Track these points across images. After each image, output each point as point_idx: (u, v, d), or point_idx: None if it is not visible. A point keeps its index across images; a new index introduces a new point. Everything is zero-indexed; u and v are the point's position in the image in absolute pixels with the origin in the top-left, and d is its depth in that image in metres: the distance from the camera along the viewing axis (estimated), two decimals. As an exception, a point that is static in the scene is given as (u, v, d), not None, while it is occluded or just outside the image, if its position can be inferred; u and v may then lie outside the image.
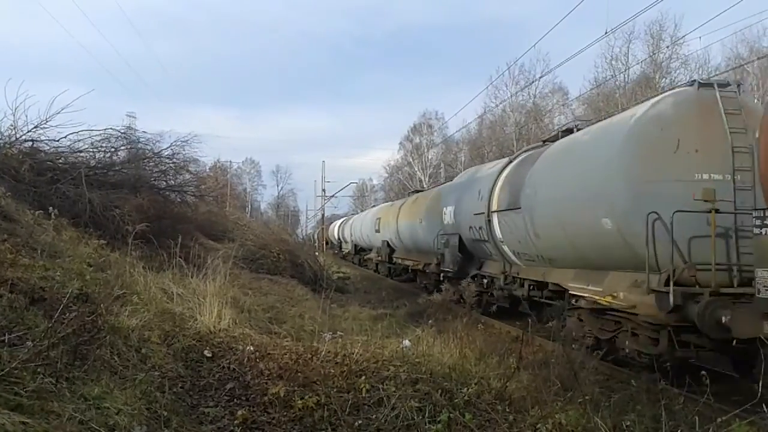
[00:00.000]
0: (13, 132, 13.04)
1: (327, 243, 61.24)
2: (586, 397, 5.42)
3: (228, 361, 6.78)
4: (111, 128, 15.13)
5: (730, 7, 17.92)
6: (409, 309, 16.90)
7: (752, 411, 4.90)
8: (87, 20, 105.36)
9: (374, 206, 45.02)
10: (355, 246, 43.33)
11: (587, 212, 9.26)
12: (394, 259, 28.01)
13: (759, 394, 4.61)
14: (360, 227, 39.65)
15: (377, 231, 31.14)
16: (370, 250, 35.71)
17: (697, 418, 4.46)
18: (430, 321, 10.64)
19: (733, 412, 5.07)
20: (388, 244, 28.23)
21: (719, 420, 4.98)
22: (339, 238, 55.20)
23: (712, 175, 8.05)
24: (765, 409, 4.67)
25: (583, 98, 46.17)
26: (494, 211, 13.88)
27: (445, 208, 17.87)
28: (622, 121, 9.28)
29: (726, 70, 34.71)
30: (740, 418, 4.98)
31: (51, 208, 9.24)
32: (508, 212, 12.84)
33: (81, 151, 14.39)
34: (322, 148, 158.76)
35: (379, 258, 31.05)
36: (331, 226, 63.68)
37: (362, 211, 59.32)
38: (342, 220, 60.30)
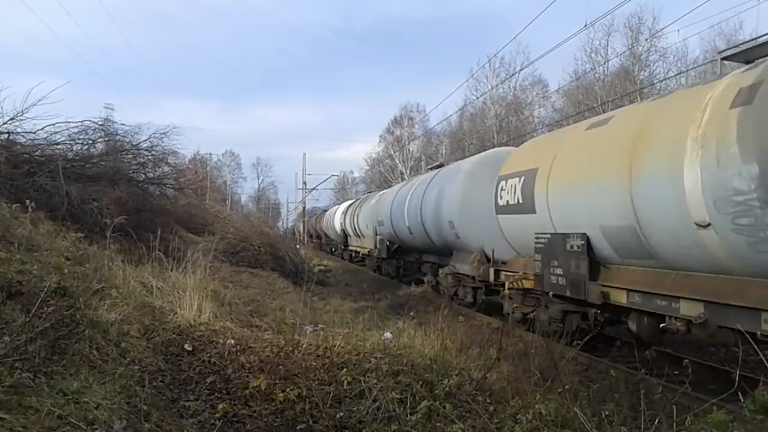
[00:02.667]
0: (-11, 124, 12.83)
1: (320, 237, 55.38)
2: (566, 387, 5.46)
3: (208, 355, 6.74)
4: (89, 120, 15.03)
5: (707, 0, 18.05)
6: (391, 301, 16.95)
7: (729, 400, 4.96)
8: (62, 9, 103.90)
9: (454, 161, 25.47)
10: (388, 246, 23.69)
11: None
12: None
13: (736, 384, 4.67)
14: (420, 206, 18.32)
15: (523, 206, 11.00)
16: (449, 253, 16.80)
17: (675, 407, 4.49)
18: (411, 313, 10.67)
19: (711, 401, 5.13)
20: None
21: (697, 409, 5.05)
22: (344, 230, 36.97)
23: None
24: (741, 398, 4.74)
25: (563, 90, 46.55)
26: None
27: None
28: None
29: (704, 63, 35.10)
30: (717, 407, 5.05)
31: (28, 201, 9.08)
32: None
33: (58, 144, 14.23)
34: (303, 141, 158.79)
35: (561, 280, 9.63)
36: (329, 212, 49.35)
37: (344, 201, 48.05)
38: (352, 201, 40.22)
